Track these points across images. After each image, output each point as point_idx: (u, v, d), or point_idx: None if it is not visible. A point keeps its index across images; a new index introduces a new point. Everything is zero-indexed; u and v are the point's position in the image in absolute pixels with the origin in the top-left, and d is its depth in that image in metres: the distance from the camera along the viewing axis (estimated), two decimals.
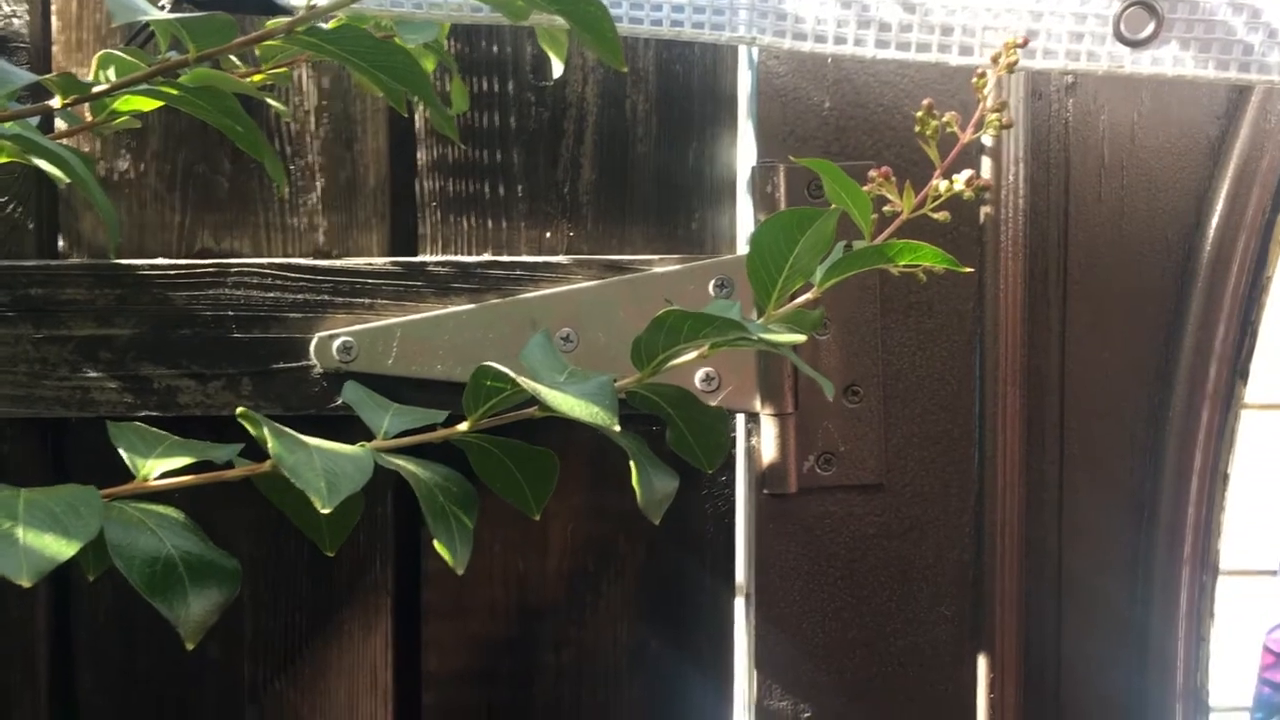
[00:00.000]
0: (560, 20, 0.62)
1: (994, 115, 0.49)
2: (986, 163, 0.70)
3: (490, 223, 0.73)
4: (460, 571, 0.40)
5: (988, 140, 0.70)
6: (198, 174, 0.72)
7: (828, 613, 0.72)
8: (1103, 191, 0.72)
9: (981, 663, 0.72)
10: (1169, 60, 0.59)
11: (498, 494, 0.46)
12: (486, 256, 0.72)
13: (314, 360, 0.69)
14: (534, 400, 0.41)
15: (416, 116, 0.73)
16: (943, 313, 0.72)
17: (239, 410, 0.39)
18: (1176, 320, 0.73)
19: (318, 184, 0.72)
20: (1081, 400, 0.73)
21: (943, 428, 0.72)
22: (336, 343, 0.69)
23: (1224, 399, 0.73)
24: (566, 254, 0.73)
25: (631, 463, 0.45)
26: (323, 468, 0.34)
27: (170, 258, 0.71)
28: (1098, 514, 0.74)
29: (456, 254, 0.73)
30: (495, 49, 0.72)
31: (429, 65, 0.66)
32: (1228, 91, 0.71)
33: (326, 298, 0.69)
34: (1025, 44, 0.50)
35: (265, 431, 0.36)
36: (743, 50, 0.73)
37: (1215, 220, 0.71)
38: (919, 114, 0.50)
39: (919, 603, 0.73)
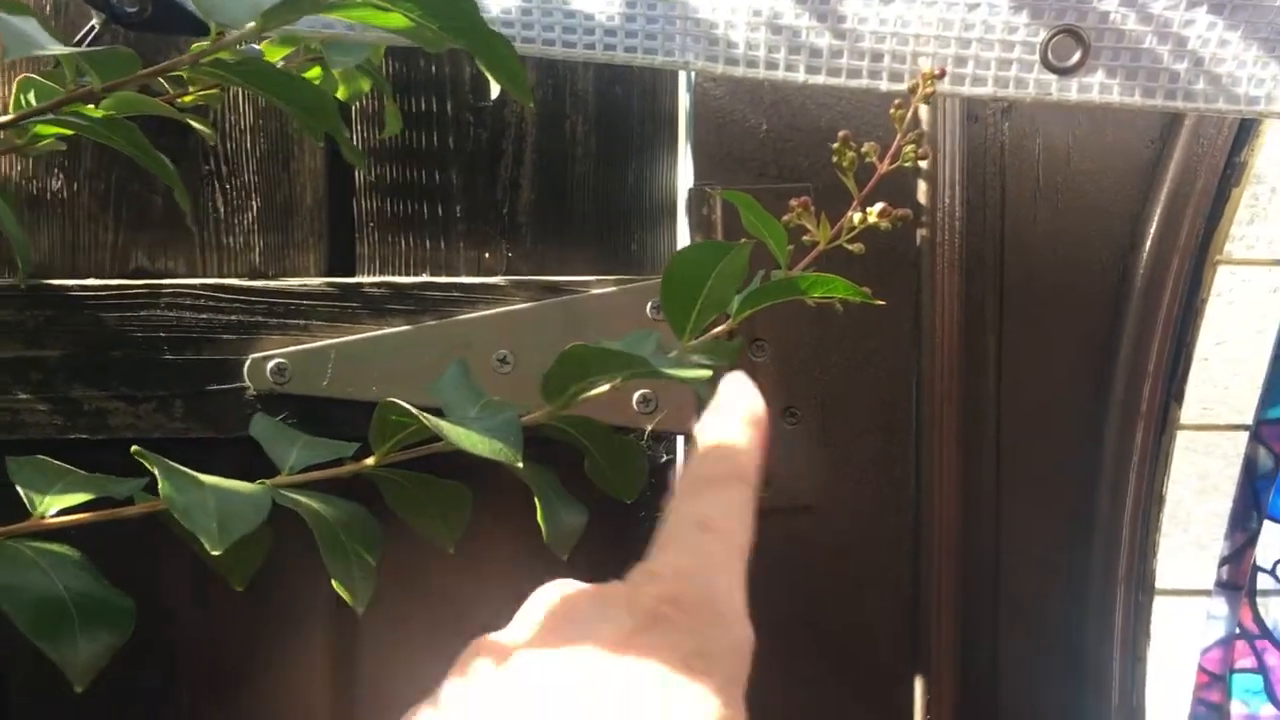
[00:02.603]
0: None
1: (909, 147, 0.49)
2: (922, 186, 0.70)
3: (429, 243, 0.73)
4: (360, 610, 0.40)
5: (923, 164, 0.70)
6: (132, 193, 0.71)
7: (765, 635, 0.72)
8: (1038, 214, 0.72)
9: (918, 684, 0.72)
10: (1096, 87, 0.60)
11: (414, 527, 0.46)
12: (422, 278, 0.72)
13: (248, 382, 0.68)
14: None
15: (354, 135, 0.72)
16: (880, 334, 0.72)
17: (133, 449, 0.38)
18: (1111, 342, 0.73)
19: (254, 203, 0.72)
20: (1018, 420, 0.74)
21: (880, 448, 0.72)
22: (270, 364, 0.68)
23: (1158, 420, 0.74)
24: (506, 274, 0.73)
25: (536, 499, 0.45)
26: (216, 508, 0.34)
27: (103, 278, 0.70)
28: (1035, 533, 0.74)
29: (395, 275, 0.73)
30: (434, 69, 0.72)
31: (364, 86, 0.65)
32: (1161, 116, 0.72)
33: (260, 319, 0.69)
34: (943, 75, 0.50)
35: (158, 470, 0.36)
36: (682, 72, 0.73)
37: (1149, 243, 0.72)
38: (835, 145, 0.50)
39: (858, 624, 0.73)
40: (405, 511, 0.44)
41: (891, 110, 0.49)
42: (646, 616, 0.31)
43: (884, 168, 0.49)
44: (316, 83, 0.64)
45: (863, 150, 0.50)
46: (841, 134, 0.49)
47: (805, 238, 0.51)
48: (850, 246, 0.50)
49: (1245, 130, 0.72)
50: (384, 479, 0.43)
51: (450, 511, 0.45)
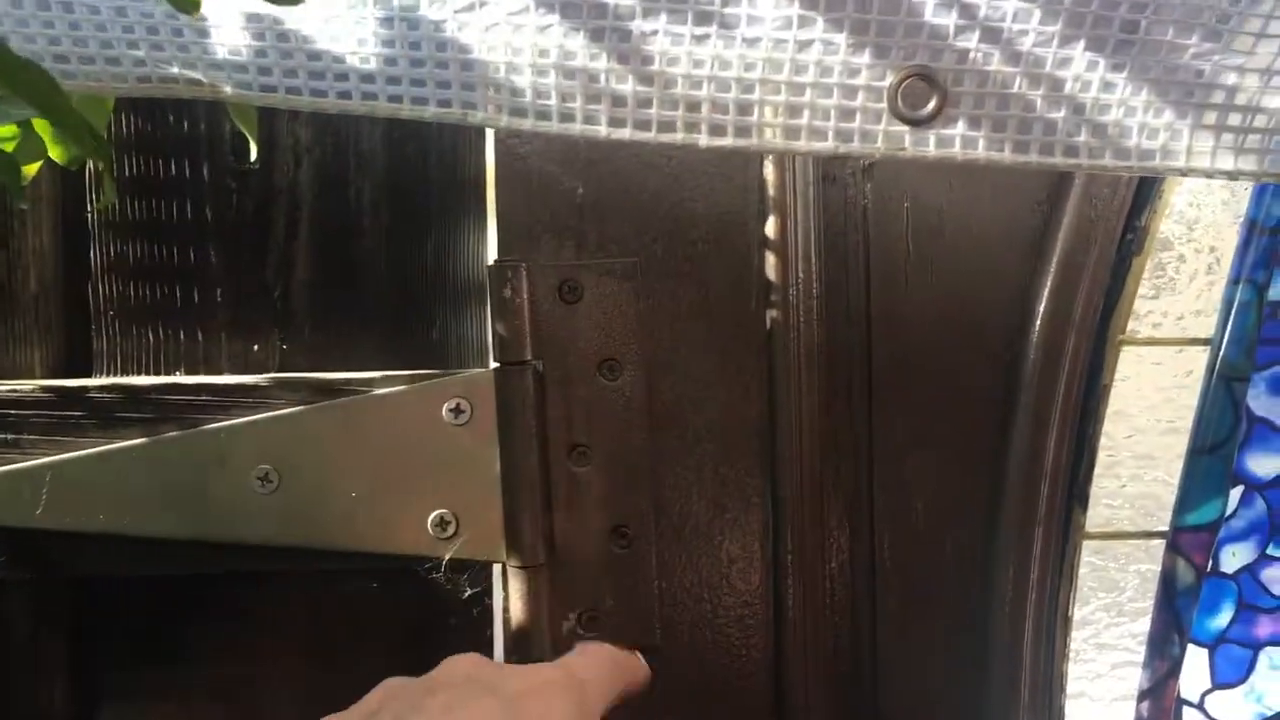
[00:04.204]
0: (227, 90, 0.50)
1: None
2: (770, 259, 0.59)
3: (184, 335, 0.60)
4: None
5: (771, 232, 0.59)
6: None
7: None
8: (910, 289, 0.61)
9: None
10: (957, 140, 0.49)
11: None
12: (166, 379, 0.59)
13: None
14: None
15: (90, 209, 0.60)
16: (725, 436, 0.60)
17: None
18: (1003, 437, 0.62)
19: None
20: (896, 534, 0.62)
21: (731, 575, 0.60)
22: None
23: (1059, 528, 0.63)
24: (280, 370, 0.60)
25: None
26: None
27: None
28: (921, 666, 0.63)
29: (142, 374, 0.60)
30: (186, 126, 0.60)
31: (67, 150, 0.53)
32: (1048, 174, 0.61)
33: None
34: None
35: None
36: (489, 129, 0.62)
37: (1039, 321, 0.61)
38: None
39: None
40: None
41: None
42: (539, 687, 0.40)
43: None
44: (10, 145, 0.52)
45: None
46: None
47: None
48: None
49: (1145, 191, 0.62)
50: None
51: None
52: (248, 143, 0.59)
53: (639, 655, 0.51)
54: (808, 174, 0.60)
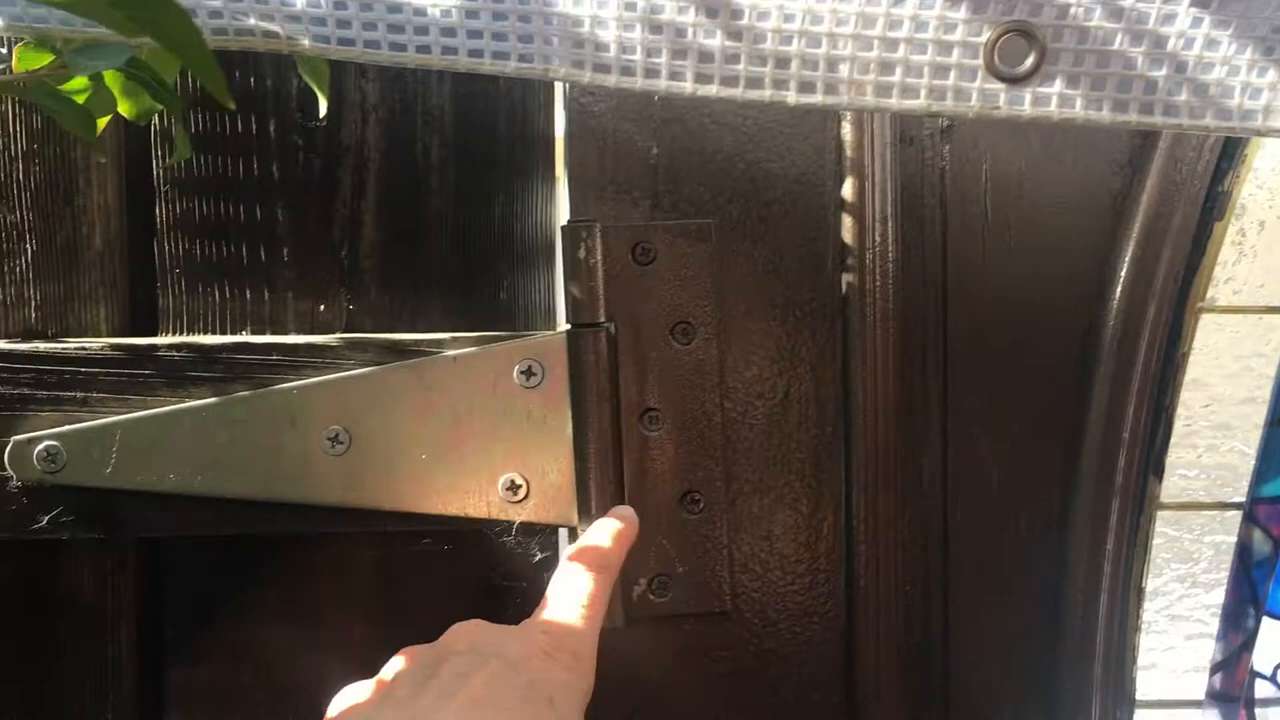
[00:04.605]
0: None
1: None
2: (846, 221, 0.58)
3: (249, 294, 0.59)
4: None
5: (848, 194, 0.58)
6: None
7: None
8: (987, 254, 0.60)
9: None
10: (1054, 99, 0.48)
11: None
12: (234, 338, 0.58)
13: (10, 470, 0.54)
14: None
15: (155, 165, 0.59)
16: (799, 401, 0.59)
17: None
18: (1080, 406, 0.61)
19: (28, 247, 0.58)
20: (969, 503, 0.61)
21: (802, 541, 0.60)
22: (39, 448, 0.55)
23: (1135, 499, 0.62)
24: (345, 331, 0.60)
25: None
26: None
27: None
28: (992, 636, 0.62)
29: (208, 333, 0.59)
30: (253, 82, 0.59)
31: (137, 104, 0.52)
32: (1130, 136, 0.60)
33: (26, 391, 0.55)
34: None
35: None
36: (559, 85, 0.61)
37: (1120, 288, 0.60)
38: None
39: None
40: None
41: None
42: (538, 651, 0.43)
43: None
44: (82, 98, 0.51)
45: None
46: None
47: None
48: None
49: (1228, 154, 0.61)
50: None
51: None
52: (314, 99, 0.58)
53: (616, 520, 0.53)
54: (885, 135, 0.58)
